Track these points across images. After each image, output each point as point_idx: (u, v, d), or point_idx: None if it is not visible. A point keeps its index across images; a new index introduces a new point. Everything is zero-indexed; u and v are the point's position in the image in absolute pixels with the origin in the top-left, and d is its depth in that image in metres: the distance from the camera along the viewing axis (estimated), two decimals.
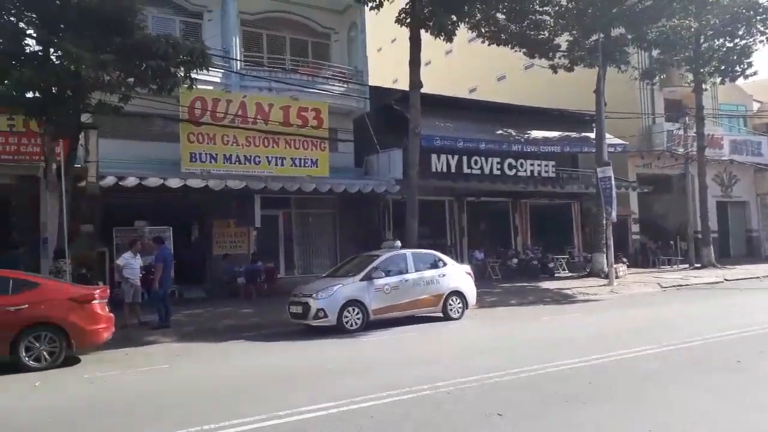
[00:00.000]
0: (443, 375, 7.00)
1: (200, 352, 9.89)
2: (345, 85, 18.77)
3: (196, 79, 12.74)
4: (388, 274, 11.73)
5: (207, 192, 15.07)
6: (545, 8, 20.45)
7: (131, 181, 13.78)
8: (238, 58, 17.08)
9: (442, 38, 17.51)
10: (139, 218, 15.49)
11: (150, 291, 12.60)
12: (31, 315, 8.43)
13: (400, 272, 11.94)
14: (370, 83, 19.40)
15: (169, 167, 15.25)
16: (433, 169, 19.05)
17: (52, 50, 11.41)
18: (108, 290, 9.67)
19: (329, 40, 19.86)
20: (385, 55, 33.38)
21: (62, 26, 11.26)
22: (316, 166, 17.50)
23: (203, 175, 15.32)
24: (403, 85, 18.50)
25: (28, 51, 11.58)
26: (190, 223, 17.90)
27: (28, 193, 13.79)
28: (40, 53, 11.55)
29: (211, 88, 15.90)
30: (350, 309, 11.06)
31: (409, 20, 17.38)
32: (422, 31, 17.15)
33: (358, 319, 11.13)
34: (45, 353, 8.44)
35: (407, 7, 17.45)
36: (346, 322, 11.00)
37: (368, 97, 18.93)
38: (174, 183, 14.33)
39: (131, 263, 11.82)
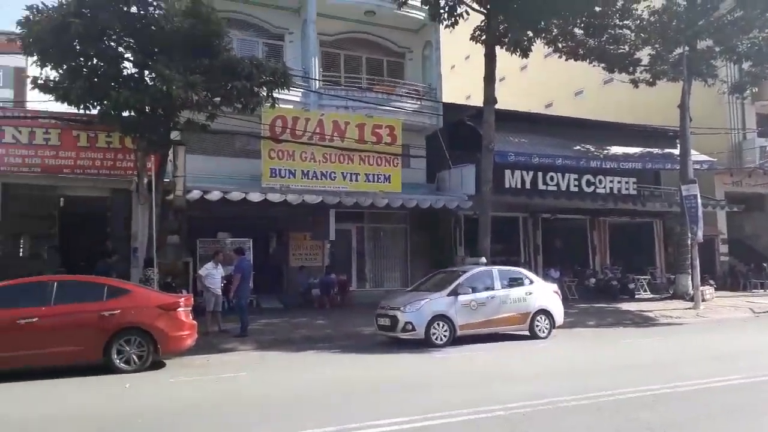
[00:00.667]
0: (521, 395, 6.87)
1: (277, 361, 10.17)
2: (419, 102, 19.00)
3: (277, 98, 13.30)
4: (474, 290, 11.71)
5: (285, 206, 15.59)
6: (625, 22, 19.85)
7: (215, 195, 14.45)
8: (317, 78, 17.64)
9: (517, 54, 17.41)
10: (221, 230, 16.21)
11: (230, 300, 13.12)
12: (122, 320, 8.92)
13: (486, 289, 11.91)
14: (444, 100, 19.54)
15: (251, 182, 15.87)
16: (507, 185, 18.84)
17: (146, 72, 12.22)
18: (192, 299, 10.13)
19: (404, 59, 20.17)
20: (459, 72, 33.39)
21: (156, 50, 12.03)
22: (389, 182, 17.69)
23: (282, 189, 15.85)
24: (477, 101, 18.44)
25: (125, 73, 12.41)
26: (268, 235, 18.53)
27: (121, 205, 14.80)
28: (136, 75, 12.40)
29: (291, 106, 16.46)
30: (437, 324, 11.12)
31: (483, 37, 17.36)
32: (497, 47, 17.09)
33: (445, 334, 11.15)
34: (134, 356, 8.92)
35: (482, 24, 17.45)
36: (434, 337, 11.05)
37: (441, 114, 19.05)
38: (255, 197, 14.91)
39: (213, 273, 12.35)
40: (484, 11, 16.84)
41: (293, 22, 18.09)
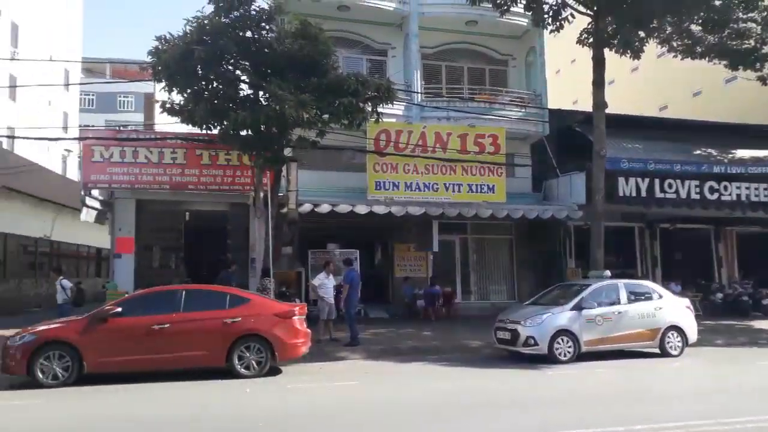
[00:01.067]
0: (648, 416, 6.50)
1: (388, 371, 10.27)
2: (522, 110, 18.62)
3: (381, 112, 13.59)
4: (599, 304, 11.25)
5: (390, 217, 15.84)
6: (750, 15, 18.27)
7: (325, 208, 14.97)
8: (419, 91, 17.81)
9: (628, 56, 16.58)
10: (330, 241, 16.76)
11: (340, 309, 13.49)
12: (243, 327, 9.39)
13: (612, 303, 11.39)
14: (549, 106, 19.01)
15: (357, 195, 16.29)
16: (621, 194, 17.83)
17: (261, 93, 12.95)
18: (306, 307, 10.48)
19: (506, 66, 19.91)
20: (564, 77, 32.34)
21: (269, 71, 12.74)
22: (493, 192, 17.45)
23: (387, 202, 16.12)
24: (584, 105, 17.79)
25: (242, 95, 13.21)
26: (374, 246, 18.88)
27: (239, 219, 15.75)
28: (251, 96, 13.18)
29: (394, 120, 16.73)
30: (561, 339, 10.74)
31: (591, 40, 16.69)
32: (605, 50, 16.38)
33: (569, 350, 10.74)
34: (254, 362, 9.34)
35: (589, 26, 16.79)
36: (558, 352, 10.67)
37: (547, 121, 18.54)
38: (361, 209, 15.29)
39: (325, 283, 12.76)
40: (591, 13, 16.20)
41: (395, 37, 18.42)
